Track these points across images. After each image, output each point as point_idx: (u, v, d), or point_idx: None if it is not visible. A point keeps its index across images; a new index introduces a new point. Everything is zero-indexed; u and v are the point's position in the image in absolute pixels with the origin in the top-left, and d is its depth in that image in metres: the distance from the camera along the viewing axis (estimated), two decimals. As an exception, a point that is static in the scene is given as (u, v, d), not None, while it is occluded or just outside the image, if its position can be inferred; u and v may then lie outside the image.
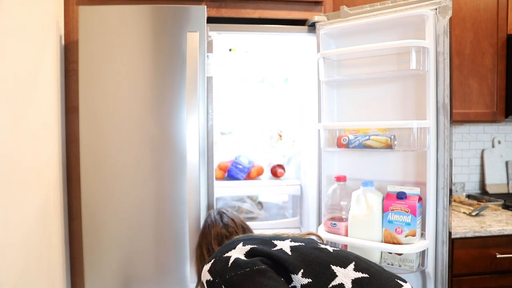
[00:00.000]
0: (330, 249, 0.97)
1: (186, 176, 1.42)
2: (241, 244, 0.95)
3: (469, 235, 1.64)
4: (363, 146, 1.47)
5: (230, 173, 1.94)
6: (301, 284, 0.86)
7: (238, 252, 0.93)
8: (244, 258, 0.91)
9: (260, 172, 2.02)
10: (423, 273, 1.47)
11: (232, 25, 1.64)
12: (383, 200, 1.45)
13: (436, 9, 1.39)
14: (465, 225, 1.71)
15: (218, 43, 1.72)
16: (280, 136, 2.01)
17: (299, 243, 0.96)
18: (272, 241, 0.97)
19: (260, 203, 2.06)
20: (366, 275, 0.87)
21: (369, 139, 1.46)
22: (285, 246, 0.94)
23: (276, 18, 1.71)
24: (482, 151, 2.41)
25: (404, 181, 1.51)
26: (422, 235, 1.44)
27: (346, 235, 1.48)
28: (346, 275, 0.87)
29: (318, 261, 0.90)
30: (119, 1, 1.50)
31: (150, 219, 1.45)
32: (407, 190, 1.42)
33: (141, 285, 1.46)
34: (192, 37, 1.41)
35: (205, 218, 1.31)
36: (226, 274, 0.88)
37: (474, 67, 2.02)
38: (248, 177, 1.95)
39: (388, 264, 1.48)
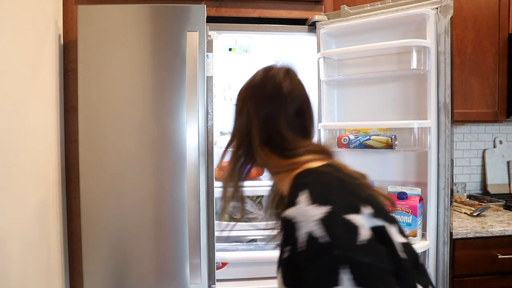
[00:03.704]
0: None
1: (185, 176, 1.41)
2: (367, 210, 0.64)
3: (470, 235, 1.63)
4: (364, 146, 1.47)
5: (230, 173, 1.93)
6: None
7: (364, 221, 0.62)
8: (369, 234, 0.61)
9: (260, 172, 2.01)
10: (424, 274, 1.46)
11: (232, 25, 1.63)
12: (383, 200, 1.44)
13: (437, 8, 1.39)
14: (466, 226, 1.70)
15: (218, 43, 1.71)
16: (280, 136, 2.00)
17: (406, 240, 0.69)
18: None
19: (260, 203, 2.05)
20: None
21: (369, 139, 1.46)
22: (397, 240, 0.66)
23: (276, 18, 1.70)
24: (484, 151, 2.40)
25: (405, 181, 1.50)
26: (423, 235, 1.44)
27: (347, 235, 1.47)
28: None
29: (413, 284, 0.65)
30: (119, 1, 1.49)
31: (149, 219, 1.44)
32: (407, 190, 1.42)
33: (141, 285, 1.45)
34: (192, 36, 1.40)
35: (263, 71, 0.84)
36: (354, 254, 0.58)
37: (475, 66, 2.01)
38: (248, 177, 1.94)
39: (388, 264, 1.47)
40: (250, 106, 0.79)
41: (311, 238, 0.60)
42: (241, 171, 0.83)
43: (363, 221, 0.62)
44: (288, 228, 0.63)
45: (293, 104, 0.79)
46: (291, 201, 0.64)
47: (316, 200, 0.62)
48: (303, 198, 0.63)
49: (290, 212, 0.63)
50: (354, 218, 0.61)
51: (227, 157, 0.85)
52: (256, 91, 0.80)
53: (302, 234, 0.61)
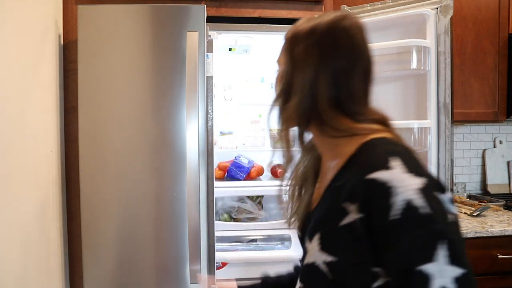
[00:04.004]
0: None
1: (185, 176, 1.41)
2: (447, 194, 0.61)
3: (470, 235, 1.63)
4: (364, 146, 1.46)
5: (230, 173, 1.94)
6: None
7: (448, 203, 0.59)
8: (454, 214, 0.60)
9: (260, 172, 2.01)
10: (424, 274, 1.46)
11: (232, 25, 1.63)
12: (383, 200, 1.44)
13: (437, 8, 1.39)
14: (466, 226, 1.70)
15: (218, 43, 1.71)
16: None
17: None
18: None
19: (260, 203, 2.05)
20: None
21: (369, 139, 1.46)
22: None
23: (276, 18, 1.70)
24: (484, 151, 2.40)
25: (405, 181, 1.50)
26: (423, 235, 1.44)
27: (347, 235, 1.47)
28: None
29: None
30: (119, 0, 1.49)
31: (149, 219, 1.44)
32: (408, 190, 1.41)
33: (141, 285, 1.45)
34: (192, 36, 1.40)
35: (334, 18, 0.69)
36: (449, 230, 0.55)
37: (475, 66, 2.01)
38: (248, 177, 1.95)
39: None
40: (319, 56, 0.67)
41: (409, 207, 0.54)
42: (301, 131, 0.74)
43: (446, 200, 0.58)
44: (374, 192, 0.57)
45: (364, 64, 0.70)
46: (380, 165, 0.57)
47: (411, 170, 0.56)
48: (397, 164, 0.57)
49: (382, 176, 0.56)
50: (442, 196, 0.58)
51: (273, 116, 0.74)
52: (326, 40, 0.67)
53: (398, 201, 0.54)
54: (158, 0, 1.51)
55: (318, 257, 0.63)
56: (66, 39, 1.57)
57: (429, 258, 0.52)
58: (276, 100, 0.72)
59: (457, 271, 0.52)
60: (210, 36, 1.54)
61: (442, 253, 0.52)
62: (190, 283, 1.43)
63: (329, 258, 0.62)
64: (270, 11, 1.69)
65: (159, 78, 1.43)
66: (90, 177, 1.43)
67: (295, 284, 0.76)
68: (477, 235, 1.63)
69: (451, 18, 1.37)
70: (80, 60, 1.42)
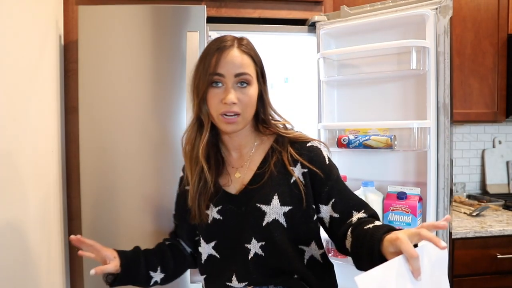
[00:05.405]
0: None
1: (186, 176, 1.41)
2: None
3: (470, 235, 1.63)
4: (364, 146, 1.47)
5: (230, 173, 1.94)
6: None
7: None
8: None
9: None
10: (423, 274, 1.47)
11: (232, 25, 1.64)
12: (383, 200, 1.45)
13: (436, 8, 1.39)
14: (466, 225, 1.71)
15: (218, 43, 1.72)
16: (280, 136, 2.00)
17: None
18: None
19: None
20: None
21: (369, 139, 1.46)
22: None
23: (276, 18, 1.70)
24: (483, 151, 2.40)
25: (405, 181, 1.51)
26: (423, 235, 1.44)
27: (346, 235, 1.47)
28: None
29: None
30: (119, 1, 1.49)
31: (149, 220, 1.45)
32: (407, 190, 1.42)
33: (141, 285, 1.45)
34: (192, 37, 1.41)
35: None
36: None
37: (474, 67, 2.01)
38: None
39: (388, 264, 1.47)
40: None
41: (329, 158, 0.96)
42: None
43: None
44: (314, 153, 0.94)
45: None
46: (309, 138, 0.98)
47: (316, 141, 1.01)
48: (312, 139, 0.99)
49: (314, 143, 0.97)
50: None
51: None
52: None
53: (325, 156, 0.95)
54: (158, 0, 1.52)
55: (279, 211, 0.88)
56: (67, 40, 1.58)
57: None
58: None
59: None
60: (210, 36, 1.54)
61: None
62: (190, 282, 1.44)
63: (287, 209, 0.89)
64: (270, 12, 1.70)
65: (159, 78, 1.43)
66: (90, 177, 1.43)
67: (164, 254, 1.04)
68: (476, 234, 1.63)
69: (451, 18, 1.37)
70: (80, 61, 1.42)
